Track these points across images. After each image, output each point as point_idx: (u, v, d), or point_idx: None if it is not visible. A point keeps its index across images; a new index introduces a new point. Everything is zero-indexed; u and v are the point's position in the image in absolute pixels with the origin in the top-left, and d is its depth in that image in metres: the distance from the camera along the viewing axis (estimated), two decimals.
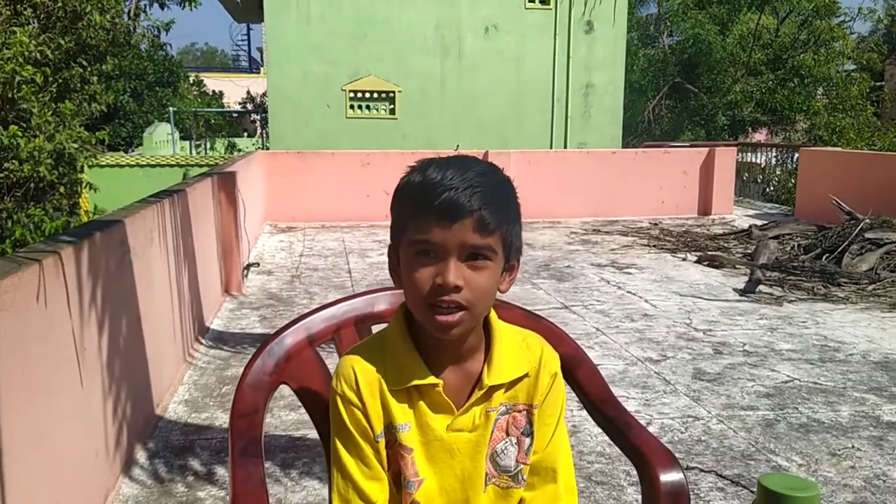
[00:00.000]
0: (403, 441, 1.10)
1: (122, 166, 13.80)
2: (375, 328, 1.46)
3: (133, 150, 20.07)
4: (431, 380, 1.09)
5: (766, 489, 0.89)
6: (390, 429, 1.10)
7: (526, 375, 1.15)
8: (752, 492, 2.81)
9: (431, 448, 1.11)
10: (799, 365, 4.26)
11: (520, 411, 1.15)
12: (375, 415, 1.10)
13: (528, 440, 1.16)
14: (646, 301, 5.80)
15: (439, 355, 1.10)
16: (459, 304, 1.02)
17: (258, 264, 7.14)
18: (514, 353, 1.15)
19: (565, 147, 13.67)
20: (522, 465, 1.16)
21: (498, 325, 1.15)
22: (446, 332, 1.04)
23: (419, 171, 1.05)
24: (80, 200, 9.50)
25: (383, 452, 1.11)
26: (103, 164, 12.53)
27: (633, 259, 7.60)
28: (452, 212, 0.99)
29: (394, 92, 13.28)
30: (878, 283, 6.14)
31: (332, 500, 1.11)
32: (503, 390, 1.14)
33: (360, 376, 1.10)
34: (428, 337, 1.09)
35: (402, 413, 1.10)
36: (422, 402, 1.10)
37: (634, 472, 3.09)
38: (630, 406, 3.63)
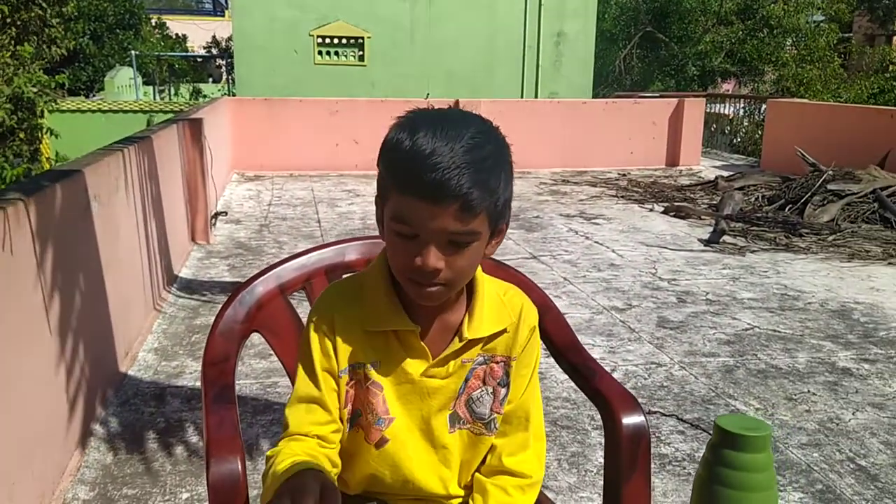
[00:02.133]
0: (374, 377, 1.12)
1: (83, 111, 13.47)
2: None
3: (94, 95, 19.54)
4: (409, 325, 1.10)
5: (722, 429, 0.93)
6: (357, 367, 1.12)
7: (504, 331, 1.16)
8: (710, 434, 2.91)
9: (402, 389, 1.13)
10: (759, 313, 4.38)
11: (497, 363, 1.17)
12: (343, 350, 1.11)
13: (503, 390, 1.18)
14: (612, 251, 5.88)
15: (419, 304, 1.10)
16: (439, 283, 1.02)
17: (226, 213, 7.08)
18: (495, 307, 1.16)
19: (536, 97, 13.61)
20: (496, 415, 1.18)
21: (481, 277, 1.15)
22: (425, 302, 1.07)
23: (409, 132, 0.98)
24: (41, 147, 9.27)
25: (343, 388, 1.12)
26: (64, 109, 12.21)
27: (602, 210, 7.67)
28: (437, 195, 0.95)
29: (363, 38, 13.05)
30: (838, 234, 6.29)
31: (285, 414, 1.13)
32: (481, 344, 1.15)
33: (337, 310, 1.11)
34: None
35: (373, 352, 1.12)
36: (398, 345, 1.12)
37: (599, 417, 3.17)
38: (595, 353, 3.71)
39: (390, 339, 1.12)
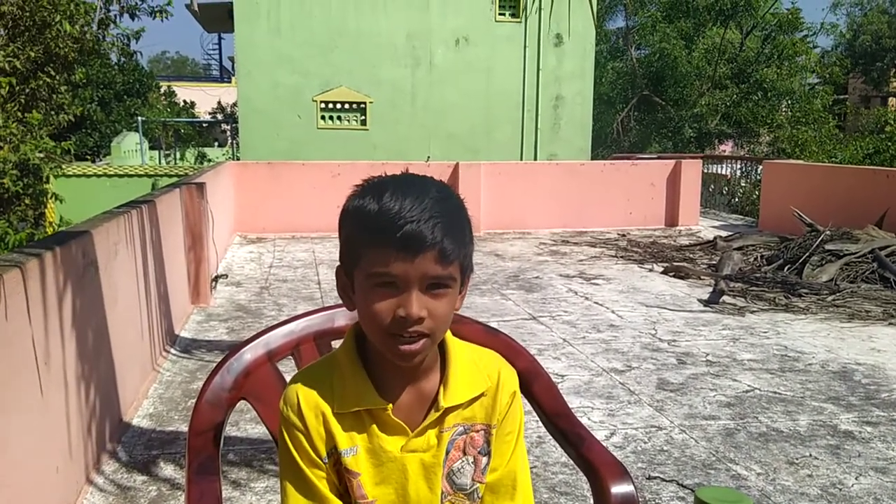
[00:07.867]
0: (349, 466, 1.09)
1: (89, 177, 13.63)
2: (336, 343, 1.48)
3: (100, 160, 19.82)
4: (380, 403, 1.09)
5: (702, 502, 0.92)
6: (333, 453, 1.10)
7: (482, 395, 1.15)
8: None
9: (385, 469, 1.11)
10: (759, 375, 4.34)
11: (477, 431, 1.15)
12: (318, 438, 1.09)
13: (484, 459, 1.16)
14: (612, 312, 5.86)
15: (393, 377, 1.10)
16: (422, 333, 1.02)
17: (226, 276, 7.10)
18: (469, 372, 1.14)
19: (535, 158, 13.79)
20: (478, 484, 1.16)
21: (453, 344, 1.15)
22: (408, 360, 1.04)
23: (373, 197, 1.02)
24: (46, 211, 9.39)
25: (332, 473, 1.11)
26: (70, 174, 12.38)
27: (601, 270, 7.68)
28: (414, 244, 0.98)
29: (365, 103, 13.31)
30: (837, 294, 6.27)
31: None
32: (459, 410, 1.14)
33: (303, 400, 1.09)
34: (380, 358, 1.08)
35: (348, 438, 1.09)
36: (374, 425, 1.10)
37: None
38: (595, 416, 3.67)
39: (363, 419, 1.10)
